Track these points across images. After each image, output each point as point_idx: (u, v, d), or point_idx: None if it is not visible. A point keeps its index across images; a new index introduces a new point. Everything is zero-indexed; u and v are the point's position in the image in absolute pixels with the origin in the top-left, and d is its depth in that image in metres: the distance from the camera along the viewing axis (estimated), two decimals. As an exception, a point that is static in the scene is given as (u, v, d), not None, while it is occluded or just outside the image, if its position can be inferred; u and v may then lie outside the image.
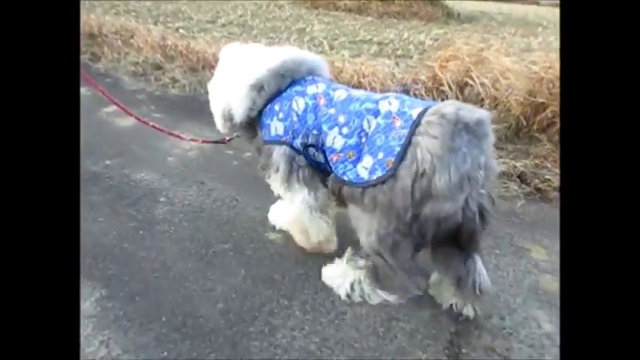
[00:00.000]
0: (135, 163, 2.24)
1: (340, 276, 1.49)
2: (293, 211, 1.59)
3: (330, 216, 1.62)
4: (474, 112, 1.22)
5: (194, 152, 2.35)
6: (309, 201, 1.54)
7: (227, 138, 1.87)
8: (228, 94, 1.59)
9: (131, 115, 2.02)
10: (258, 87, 1.52)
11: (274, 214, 1.79)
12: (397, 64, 4.80)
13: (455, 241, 1.30)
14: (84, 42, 4.13)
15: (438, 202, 1.19)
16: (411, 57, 6.01)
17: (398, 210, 1.23)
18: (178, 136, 2.03)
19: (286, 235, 1.71)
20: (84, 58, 3.93)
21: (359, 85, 3.01)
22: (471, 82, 2.83)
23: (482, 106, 2.79)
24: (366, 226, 1.33)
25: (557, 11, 13.80)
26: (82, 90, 3.25)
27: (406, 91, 2.90)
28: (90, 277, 1.48)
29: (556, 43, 7.24)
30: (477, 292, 1.34)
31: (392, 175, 1.23)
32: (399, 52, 6.22)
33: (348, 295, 1.45)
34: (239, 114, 1.57)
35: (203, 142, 2.08)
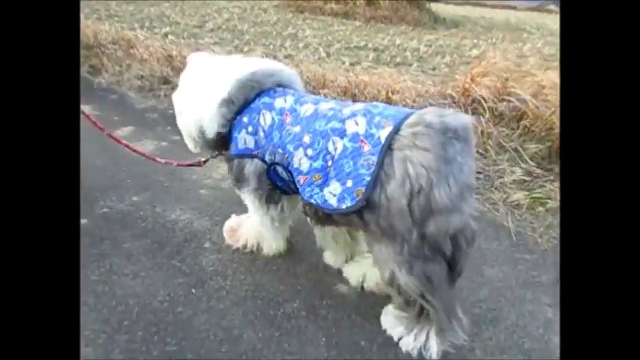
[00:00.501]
0: (166, 199, 1.94)
1: (396, 324, 1.34)
2: (256, 222, 1.58)
3: (286, 229, 1.63)
4: (458, 118, 1.14)
5: (227, 182, 2.09)
6: (272, 214, 1.52)
7: (202, 159, 1.71)
8: (199, 109, 1.47)
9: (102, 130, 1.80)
10: (228, 101, 1.42)
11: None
12: (416, 78, 4.61)
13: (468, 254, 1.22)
14: (81, 53, 3.76)
15: (442, 216, 1.10)
16: (410, 65, 5.87)
17: (402, 232, 1.13)
18: (153, 159, 1.82)
19: (357, 289, 1.49)
20: (82, 71, 3.57)
21: (389, 102, 2.82)
22: (509, 97, 2.67)
23: (520, 123, 2.64)
24: (388, 259, 1.21)
25: (534, 15, 14.02)
26: (90, 110, 2.93)
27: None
28: (148, 354, 1.22)
29: (546, 49, 7.28)
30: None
31: (375, 199, 1.14)
32: (398, 60, 6.07)
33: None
34: (211, 130, 1.47)
35: (178, 165, 1.82)
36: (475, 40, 8.03)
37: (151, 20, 8.02)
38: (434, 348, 1.27)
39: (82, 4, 9.34)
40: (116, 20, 7.59)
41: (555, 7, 16.16)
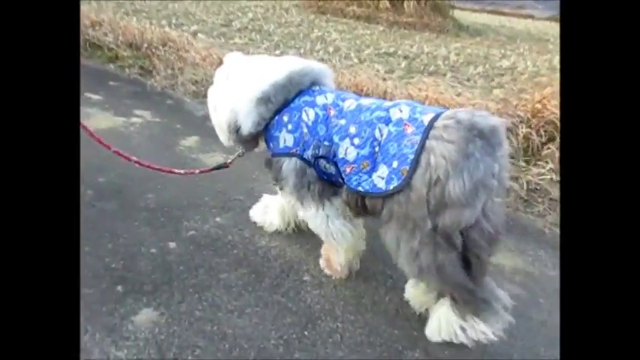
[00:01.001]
0: (251, 222, 1.84)
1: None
2: (313, 225, 1.51)
3: (355, 224, 1.51)
4: (488, 119, 1.17)
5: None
6: (331, 210, 1.47)
7: (228, 161, 1.71)
8: (234, 106, 1.49)
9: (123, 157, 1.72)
10: (265, 100, 1.44)
11: (256, 211, 1.79)
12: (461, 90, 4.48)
13: (489, 250, 1.24)
14: (127, 53, 3.63)
15: (455, 210, 1.12)
16: (444, 74, 5.73)
17: (415, 221, 1.16)
18: (171, 172, 1.77)
19: (479, 340, 1.34)
20: (132, 72, 3.44)
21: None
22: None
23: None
24: (393, 244, 1.25)
25: (552, 25, 13.86)
26: (150, 116, 2.80)
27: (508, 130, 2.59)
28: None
29: (575, 63, 7.15)
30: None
31: (407, 184, 1.16)
32: (431, 69, 5.92)
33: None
34: (247, 127, 1.48)
35: (201, 172, 1.76)
36: (502, 50, 7.89)
37: (177, 17, 7.87)
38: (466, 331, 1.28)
39: (110, 2, 9.19)
40: (144, 16, 7.44)
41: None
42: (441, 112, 1.22)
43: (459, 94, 3.64)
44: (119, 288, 1.41)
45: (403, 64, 5.99)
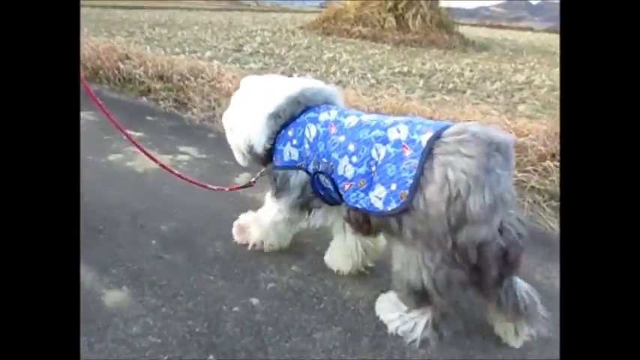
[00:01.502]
0: (327, 268, 1.70)
1: (397, 319, 1.38)
2: (272, 221, 1.60)
3: (294, 229, 1.68)
4: (502, 134, 1.19)
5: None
6: (290, 218, 1.57)
7: (252, 180, 1.81)
8: (248, 125, 1.54)
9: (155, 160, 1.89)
10: (275, 115, 1.48)
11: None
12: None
13: (498, 267, 1.20)
14: (159, 85, 3.53)
15: (474, 226, 1.12)
16: (464, 92, 5.67)
17: (438, 238, 1.15)
18: (204, 187, 1.90)
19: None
20: (167, 105, 3.33)
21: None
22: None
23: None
24: (412, 262, 1.24)
25: (553, 37, 13.94)
26: (197, 152, 2.68)
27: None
28: None
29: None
30: (521, 310, 1.27)
31: (414, 202, 1.17)
32: (450, 87, 5.86)
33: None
34: (259, 144, 1.53)
35: (230, 189, 1.90)
36: (513, 65, 7.87)
37: (188, 44, 7.85)
38: (420, 334, 1.32)
39: (117, 27, 9.21)
40: (155, 44, 7.42)
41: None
42: (441, 128, 1.21)
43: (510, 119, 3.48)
44: (211, 357, 1.27)
45: (421, 83, 5.93)
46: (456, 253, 1.15)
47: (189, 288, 1.52)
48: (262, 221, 1.65)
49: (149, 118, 3.19)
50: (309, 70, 6.32)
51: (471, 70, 7.13)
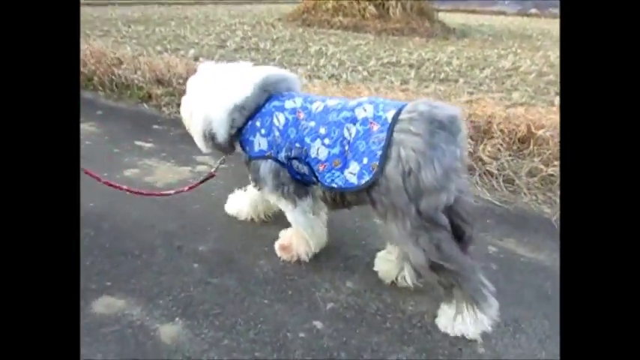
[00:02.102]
0: (383, 283, 1.65)
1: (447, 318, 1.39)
2: (291, 218, 1.61)
3: (323, 219, 1.65)
4: (446, 109, 1.26)
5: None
6: (303, 207, 1.56)
7: (212, 170, 1.83)
8: (209, 114, 1.55)
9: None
10: (239, 108, 1.51)
11: (231, 203, 1.89)
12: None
13: (470, 222, 1.34)
14: (159, 91, 3.32)
15: (432, 195, 1.22)
16: (456, 81, 5.66)
17: (402, 208, 1.25)
18: (160, 194, 1.89)
19: None
20: (171, 111, 3.11)
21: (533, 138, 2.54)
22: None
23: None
24: (396, 235, 1.32)
25: (526, 20, 14.13)
26: (214, 162, 2.54)
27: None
28: None
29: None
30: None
31: (378, 177, 1.26)
32: (441, 76, 5.83)
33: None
34: (221, 134, 1.56)
35: (190, 188, 1.84)
36: (496, 50, 7.92)
37: (169, 41, 7.53)
38: (473, 325, 1.33)
39: (89, 26, 8.75)
40: (135, 43, 7.08)
41: (537, 11, 16.40)
42: (402, 106, 1.30)
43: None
44: (289, 391, 1.19)
45: (412, 74, 5.87)
46: (423, 220, 1.25)
47: (245, 315, 1.43)
48: (294, 227, 1.64)
49: (155, 126, 3.00)
50: (299, 64, 6.16)
51: (457, 58, 7.13)
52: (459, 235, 1.33)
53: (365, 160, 1.29)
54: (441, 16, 11.68)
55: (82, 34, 7.63)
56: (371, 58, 6.92)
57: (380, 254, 1.63)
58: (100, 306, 1.42)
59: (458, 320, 1.35)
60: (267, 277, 1.61)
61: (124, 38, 7.66)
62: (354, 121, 1.34)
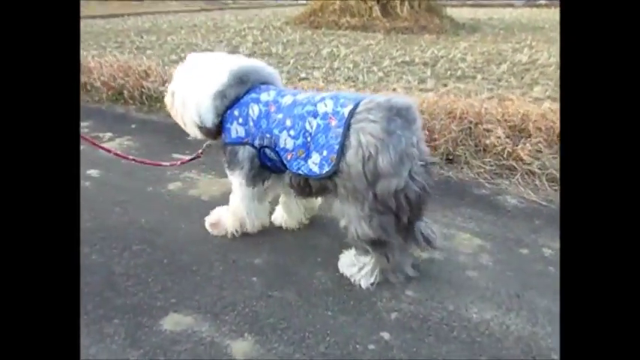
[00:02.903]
0: (444, 289, 1.57)
1: (352, 264, 1.61)
2: (237, 200, 1.76)
3: (265, 207, 1.85)
4: (402, 100, 1.38)
5: (488, 258, 1.74)
6: (255, 191, 1.71)
7: (200, 151, 1.98)
8: (197, 101, 1.64)
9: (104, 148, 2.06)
10: (221, 95, 1.61)
11: (278, 215, 1.97)
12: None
13: (410, 210, 1.43)
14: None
15: (386, 179, 1.32)
16: (474, 77, 5.61)
17: (362, 192, 1.37)
18: (158, 164, 2.13)
19: None
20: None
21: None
22: None
23: None
24: (353, 215, 1.45)
25: (536, 12, 13.96)
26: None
27: None
28: None
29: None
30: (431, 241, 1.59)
31: (340, 166, 1.38)
32: (458, 74, 5.79)
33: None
34: (209, 120, 1.66)
35: (181, 163, 2.08)
36: (509, 44, 7.83)
37: (182, 50, 7.58)
38: (370, 279, 1.57)
39: (104, 38, 8.84)
40: (149, 54, 7.14)
41: (546, 1, 16.17)
42: (360, 100, 1.41)
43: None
44: (369, 406, 1.19)
45: (428, 72, 5.84)
46: (378, 203, 1.37)
47: (312, 328, 1.43)
48: (234, 206, 1.78)
49: (190, 138, 3.02)
50: (314, 68, 6.17)
51: (471, 54, 7.07)
52: (397, 220, 1.45)
53: (325, 153, 1.41)
54: (449, 11, 11.59)
55: (99, 47, 7.72)
56: (384, 58, 6.89)
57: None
58: (169, 324, 1.43)
59: (356, 268, 1.58)
60: (327, 288, 1.60)
61: (138, 49, 7.71)
62: (315, 115, 1.45)
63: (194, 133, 1.77)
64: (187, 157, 2.06)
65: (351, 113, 1.37)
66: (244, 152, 1.63)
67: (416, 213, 1.48)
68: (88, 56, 5.60)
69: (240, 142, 1.62)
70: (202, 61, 1.71)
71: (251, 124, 1.59)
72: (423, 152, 1.44)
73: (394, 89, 4.77)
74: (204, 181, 2.38)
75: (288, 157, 1.52)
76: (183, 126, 1.80)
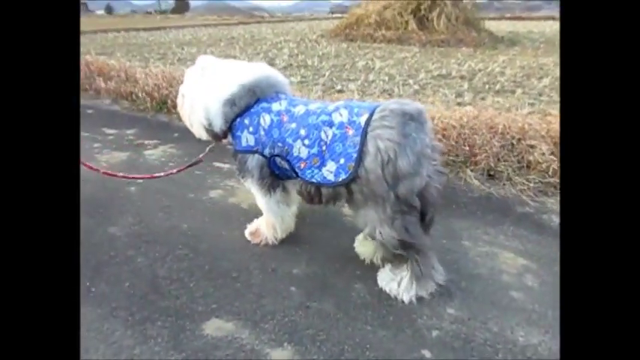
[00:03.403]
0: (485, 309, 1.55)
1: (391, 279, 1.61)
2: (265, 206, 1.79)
3: (293, 210, 1.88)
4: (413, 105, 1.42)
5: (533, 278, 1.68)
6: (277, 198, 1.74)
7: (201, 156, 2.02)
8: (207, 105, 1.67)
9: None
10: (231, 102, 1.64)
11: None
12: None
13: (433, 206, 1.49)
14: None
15: (407, 180, 1.37)
16: (513, 92, 5.47)
17: (382, 195, 1.39)
18: (152, 177, 2.14)
19: None
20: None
21: None
22: None
23: None
24: (374, 219, 1.47)
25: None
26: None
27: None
28: None
29: None
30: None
31: (357, 173, 1.41)
32: (497, 87, 5.66)
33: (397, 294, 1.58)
34: (217, 125, 1.70)
35: (178, 171, 2.11)
36: (551, 58, 7.62)
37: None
38: (411, 292, 1.56)
39: (147, 50, 9.25)
40: (190, 65, 7.41)
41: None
42: (374, 108, 1.44)
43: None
44: None
45: (465, 85, 5.75)
46: (401, 204, 1.40)
47: (352, 341, 1.41)
48: (265, 214, 1.83)
49: (230, 147, 3.10)
50: (349, 80, 6.21)
51: (510, 68, 6.92)
52: (422, 217, 1.49)
53: (342, 161, 1.45)
54: (487, 24, 11.41)
55: (142, 58, 8.08)
56: (420, 71, 6.85)
57: (358, 237, 1.80)
58: (211, 329, 1.45)
59: (396, 282, 1.58)
60: (366, 302, 1.59)
61: (179, 60, 8.01)
62: (330, 124, 1.48)
63: (200, 134, 1.81)
64: (184, 166, 2.10)
65: (368, 122, 1.41)
66: (253, 160, 1.66)
67: (431, 211, 1.52)
68: (133, 67, 5.88)
69: (249, 150, 1.65)
70: (214, 66, 1.74)
71: (262, 133, 1.62)
72: (437, 149, 1.50)
73: (432, 102, 4.71)
74: (243, 190, 2.43)
75: (302, 165, 1.54)
76: (190, 127, 1.84)
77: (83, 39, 12.43)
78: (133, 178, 2.19)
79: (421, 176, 1.39)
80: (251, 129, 1.64)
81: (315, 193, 1.57)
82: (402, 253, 1.49)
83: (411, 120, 1.38)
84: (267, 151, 1.62)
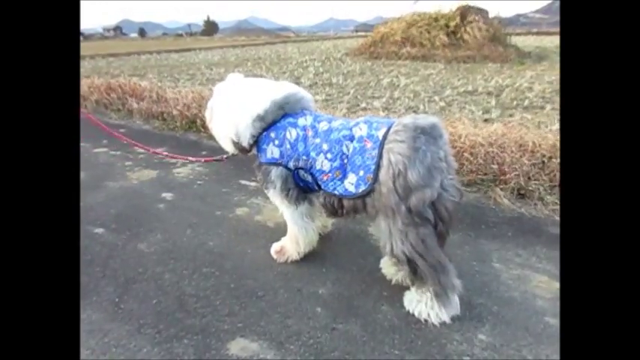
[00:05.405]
0: (507, 332, 1.47)
1: (418, 301, 1.58)
2: (290, 218, 1.82)
3: (317, 225, 1.91)
4: (428, 119, 1.44)
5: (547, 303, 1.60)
6: (302, 210, 1.78)
7: (224, 156, 2.09)
8: (236, 121, 1.73)
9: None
10: (261, 118, 1.70)
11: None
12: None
13: (447, 219, 1.48)
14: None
15: (419, 191, 1.38)
16: (542, 107, 5.34)
17: (392, 207, 1.42)
18: (186, 159, 2.48)
19: None
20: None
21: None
22: None
23: None
24: (385, 232, 1.48)
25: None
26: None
27: None
28: None
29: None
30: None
31: (373, 186, 1.45)
32: (525, 103, 5.54)
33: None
34: (245, 139, 1.76)
35: (205, 160, 2.37)
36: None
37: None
38: (437, 311, 1.53)
39: (177, 70, 9.60)
40: (208, 80, 7.62)
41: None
42: (392, 124, 1.48)
43: None
44: None
45: (493, 102, 5.66)
46: (413, 216, 1.40)
47: (379, 366, 1.38)
48: (289, 228, 1.85)
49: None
50: (373, 97, 6.22)
51: (539, 84, 6.78)
52: (436, 231, 1.47)
53: (361, 173, 1.49)
54: (514, 39, 11.26)
55: (172, 78, 8.39)
56: (445, 88, 6.81)
57: (385, 257, 1.75)
58: (236, 348, 1.45)
59: (423, 304, 1.55)
60: (393, 325, 1.55)
61: (208, 80, 8.25)
62: (351, 138, 1.54)
63: (228, 147, 1.88)
64: (211, 158, 2.29)
65: (385, 136, 1.45)
66: (276, 172, 1.70)
67: (448, 224, 1.51)
68: (163, 87, 6.10)
69: (274, 162, 1.70)
70: (244, 84, 1.81)
71: (287, 146, 1.67)
72: (451, 165, 1.49)
73: (458, 118, 4.66)
74: (269, 208, 2.44)
75: (324, 178, 1.59)
76: (217, 140, 1.90)
77: (117, 61, 13.03)
78: (174, 157, 2.61)
79: (432, 188, 1.39)
80: (277, 142, 1.69)
81: (337, 205, 1.61)
82: (415, 267, 1.47)
83: (422, 134, 1.40)
84: (291, 164, 1.67)
